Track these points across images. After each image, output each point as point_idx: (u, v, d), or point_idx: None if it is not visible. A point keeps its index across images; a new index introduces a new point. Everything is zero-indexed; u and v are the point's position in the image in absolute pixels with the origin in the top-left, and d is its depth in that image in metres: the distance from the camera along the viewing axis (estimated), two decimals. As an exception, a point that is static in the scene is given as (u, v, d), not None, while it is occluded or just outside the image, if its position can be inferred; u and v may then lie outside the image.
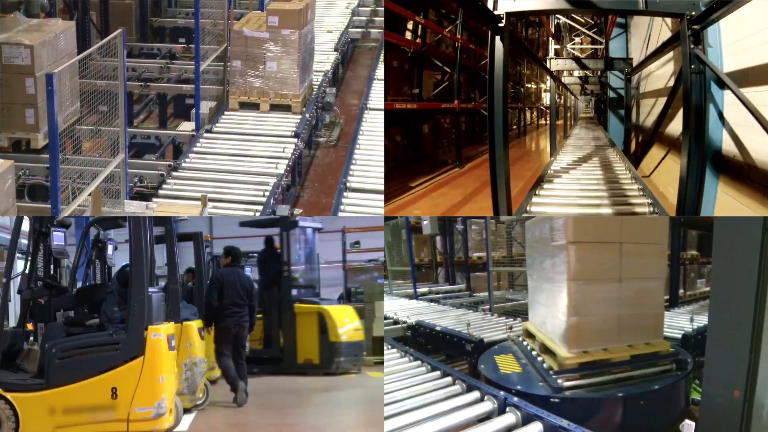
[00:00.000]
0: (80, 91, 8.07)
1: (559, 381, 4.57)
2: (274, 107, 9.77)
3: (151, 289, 5.48)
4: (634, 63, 13.61)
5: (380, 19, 13.58)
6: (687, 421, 3.42)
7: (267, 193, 7.93)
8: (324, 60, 11.68)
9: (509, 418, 3.82)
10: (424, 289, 12.27)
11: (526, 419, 3.75)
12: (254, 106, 9.79)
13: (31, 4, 8.82)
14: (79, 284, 6.98)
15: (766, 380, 3.71)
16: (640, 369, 4.78)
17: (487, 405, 4.04)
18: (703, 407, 4.01)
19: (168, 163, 8.60)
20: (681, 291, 11.32)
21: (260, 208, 7.75)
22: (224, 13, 10.48)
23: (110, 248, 7.52)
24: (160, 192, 7.99)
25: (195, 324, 6.71)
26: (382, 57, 11.69)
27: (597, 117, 23.47)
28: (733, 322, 3.82)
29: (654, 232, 4.97)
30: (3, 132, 8.09)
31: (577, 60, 14.28)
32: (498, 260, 11.90)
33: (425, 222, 12.57)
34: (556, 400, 4.42)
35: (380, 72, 11.33)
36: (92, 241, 7.22)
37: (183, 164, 8.53)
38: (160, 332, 5.30)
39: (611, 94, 16.17)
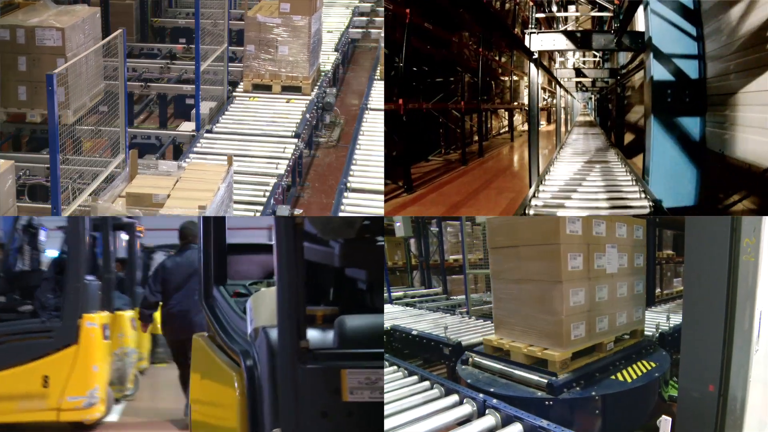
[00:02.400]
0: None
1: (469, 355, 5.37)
2: (286, 89, 10.40)
3: (88, 277, 5.37)
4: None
5: (380, 20, 13.58)
6: (664, 416, 3.46)
7: (267, 194, 7.94)
8: (324, 60, 11.68)
9: (489, 420, 3.83)
10: (399, 293, 11.95)
11: (506, 421, 3.77)
12: (267, 88, 10.42)
13: None
14: None
15: (738, 374, 3.79)
16: (527, 372, 4.81)
17: (466, 408, 4.05)
18: (680, 402, 4.08)
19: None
20: (658, 290, 11.27)
21: (260, 208, 7.76)
22: (224, 14, 10.51)
23: (42, 234, 7.49)
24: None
25: (127, 314, 6.61)
26: (382, 57, 11.69)
27: (601, 124, 16.84)
28: (706, 319, 3.89)
29: (544, 232, 4.77)
30: (36, 108, 8.48)
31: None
32: (474, 262, 11.69)
33: (398, 224, 12.23)
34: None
35: (381, 72, 11.33)
36: (23, 227, 7.18)
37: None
38: (95, 321, 5.22)
39: (657, 73, 7.30)
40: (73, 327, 5.11)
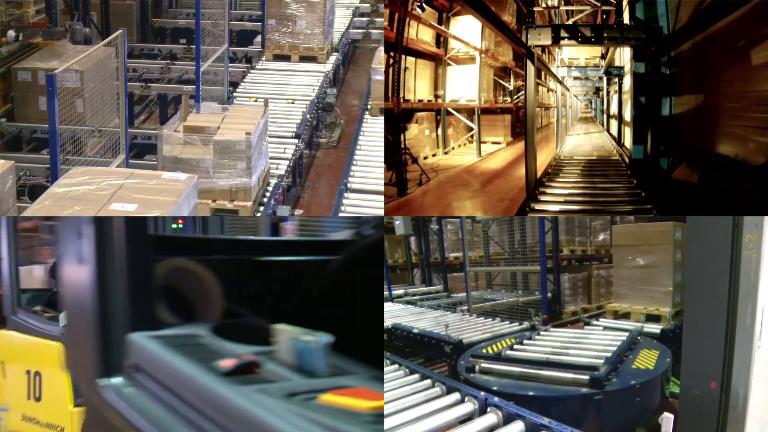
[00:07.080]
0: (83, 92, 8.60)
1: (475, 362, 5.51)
2: (303, 58, 11.69)
3: None
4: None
5: (381, 20, 13.56)
6: (666, 413, 3.45)
7: (268, 194, 7.93)
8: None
9: (490, 418, 3.83)
10: (400, 291, 11.91)
11: (508, 419, 3.76)
12: (286, 58, 11.72)
13: (75, 32, 10.43)
14: None
15: (740, 371, 3.80)
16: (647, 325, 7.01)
17: (468, 406, 4.04)
18: (682, 399, 4.09)
19: (169, 163, 8.60)
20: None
21: (261, 208, 7.75)
22: (225, 14, 10.51)
23: None
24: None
25: None
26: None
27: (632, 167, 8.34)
28: (707, 316, 3.91)
29: (660, 236, 7.49)
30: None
31: None
32: (475, 260, 11.64)
33: (398, 222, 12.15)
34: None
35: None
36: None
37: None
38: None
39: None
40: None
